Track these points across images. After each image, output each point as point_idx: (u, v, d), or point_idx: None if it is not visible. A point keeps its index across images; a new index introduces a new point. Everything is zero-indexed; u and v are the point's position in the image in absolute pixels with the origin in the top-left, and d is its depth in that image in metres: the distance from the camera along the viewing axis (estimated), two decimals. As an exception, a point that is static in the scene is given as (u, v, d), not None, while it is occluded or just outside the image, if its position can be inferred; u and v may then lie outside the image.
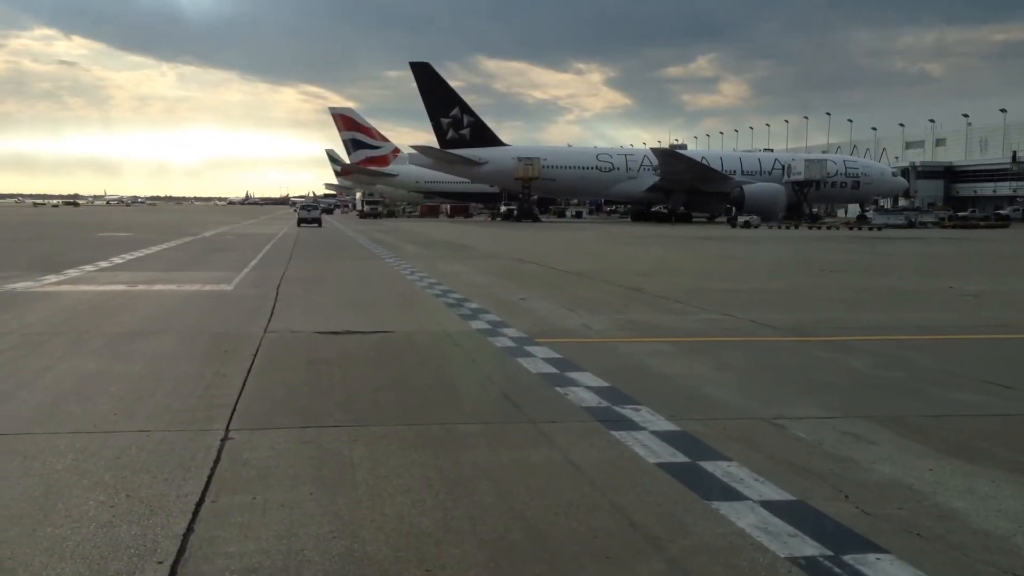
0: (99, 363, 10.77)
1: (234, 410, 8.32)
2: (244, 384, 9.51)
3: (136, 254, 32.75)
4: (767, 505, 5.81)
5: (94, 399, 8.75)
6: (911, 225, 77.32)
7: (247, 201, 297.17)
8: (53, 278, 22.04)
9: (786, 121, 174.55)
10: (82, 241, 44.21)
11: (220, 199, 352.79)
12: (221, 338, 12.74)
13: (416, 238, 51.11)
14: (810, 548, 5.11)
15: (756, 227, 77.25)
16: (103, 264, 27.19)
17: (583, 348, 12.26)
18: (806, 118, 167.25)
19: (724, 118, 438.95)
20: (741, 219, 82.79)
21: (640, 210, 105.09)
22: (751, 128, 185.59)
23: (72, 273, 23.60)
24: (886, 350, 12.36)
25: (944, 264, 34.50)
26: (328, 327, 13.92)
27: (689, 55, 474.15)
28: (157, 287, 20.31)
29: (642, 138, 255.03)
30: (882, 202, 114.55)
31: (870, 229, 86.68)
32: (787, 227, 77.08)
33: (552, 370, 10.48)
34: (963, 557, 5.05)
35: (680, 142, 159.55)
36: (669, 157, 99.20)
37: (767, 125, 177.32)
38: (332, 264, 29.52)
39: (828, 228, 74.57)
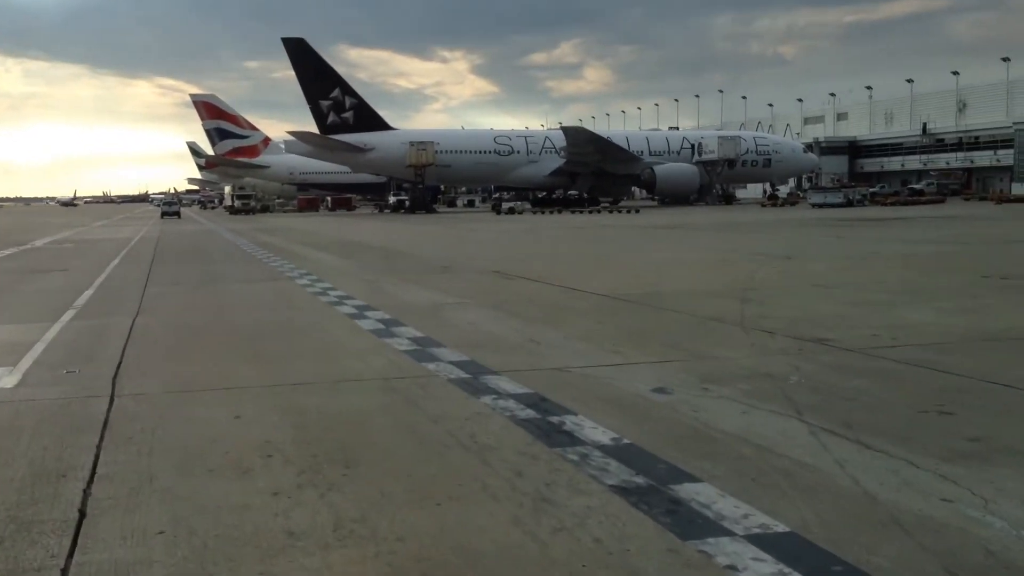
0: None
1: None
2: None
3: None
4: None
5: None
6: (850, 204, 70.71)
7: (75, 201, 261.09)
8: None
9: (676, 100, 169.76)
10: None
11: (50, 199, 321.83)
12: None
13: (317, 240, 40.22)
14: None
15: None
16: None
17: None
18: (697, 96, 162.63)
19: (589, 104, 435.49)
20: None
21: (541, 197, 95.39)
22: (640, 109, 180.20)
23: None
24: None
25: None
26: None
27: (553, 41, 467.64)
28: None
29: (511, 125, 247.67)
30: (790, 181, 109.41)
31: (787, 204, 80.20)
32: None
33: None
34: None
35: (560, 126, 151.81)
36: (578, 135, 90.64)
37: (656, 104, 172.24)
38: (215, 292, 19.04)
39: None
